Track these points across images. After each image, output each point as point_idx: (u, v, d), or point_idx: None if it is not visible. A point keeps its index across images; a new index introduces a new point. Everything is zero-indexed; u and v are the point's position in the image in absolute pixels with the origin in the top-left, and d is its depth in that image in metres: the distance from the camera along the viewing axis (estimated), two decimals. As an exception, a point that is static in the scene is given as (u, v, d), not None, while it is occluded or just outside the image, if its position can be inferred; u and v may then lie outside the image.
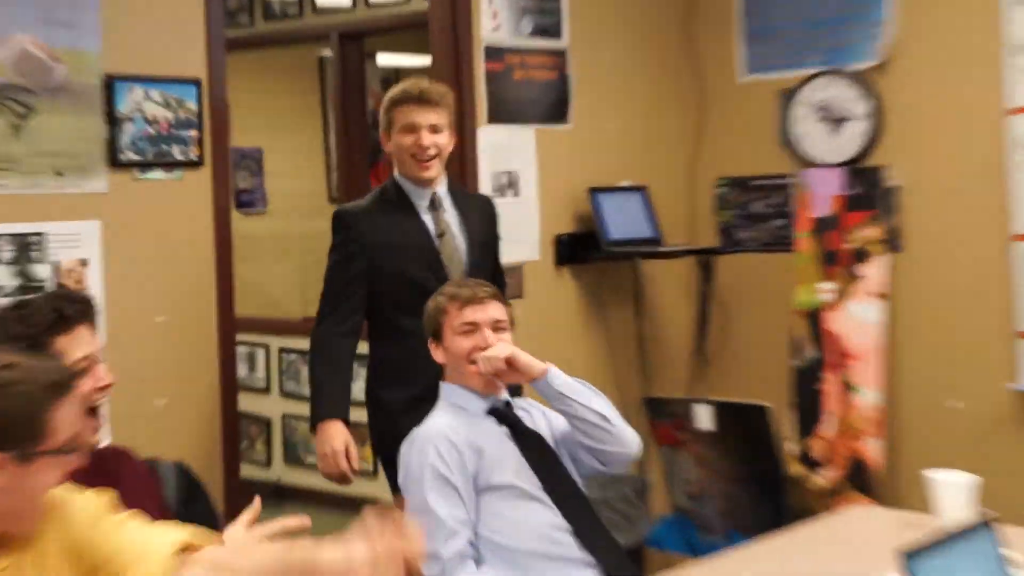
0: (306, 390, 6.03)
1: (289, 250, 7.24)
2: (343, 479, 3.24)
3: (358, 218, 3.42)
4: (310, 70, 7.18)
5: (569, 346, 4.64)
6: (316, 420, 3.29)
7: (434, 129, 3.38)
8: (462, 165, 4.39)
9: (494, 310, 2.86)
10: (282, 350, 6.29)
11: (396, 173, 3.48)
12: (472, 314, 2.83)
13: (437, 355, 2.90)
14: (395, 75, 7.11)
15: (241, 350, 5.67)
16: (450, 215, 3.48)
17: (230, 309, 3.77)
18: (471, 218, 3.51)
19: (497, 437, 2.79)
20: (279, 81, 7.18)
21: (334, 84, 6.17)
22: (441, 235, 3.43)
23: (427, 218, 3.44)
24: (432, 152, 3.38)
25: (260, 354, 6.35)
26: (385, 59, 6.98)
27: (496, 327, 2.84)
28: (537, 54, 4.61)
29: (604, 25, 4.89)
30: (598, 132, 4.84)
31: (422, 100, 3.37)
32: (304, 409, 6.02)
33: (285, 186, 7.25)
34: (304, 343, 6.04)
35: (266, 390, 6.35)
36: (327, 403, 3.30)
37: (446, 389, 2.90)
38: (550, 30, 4.66)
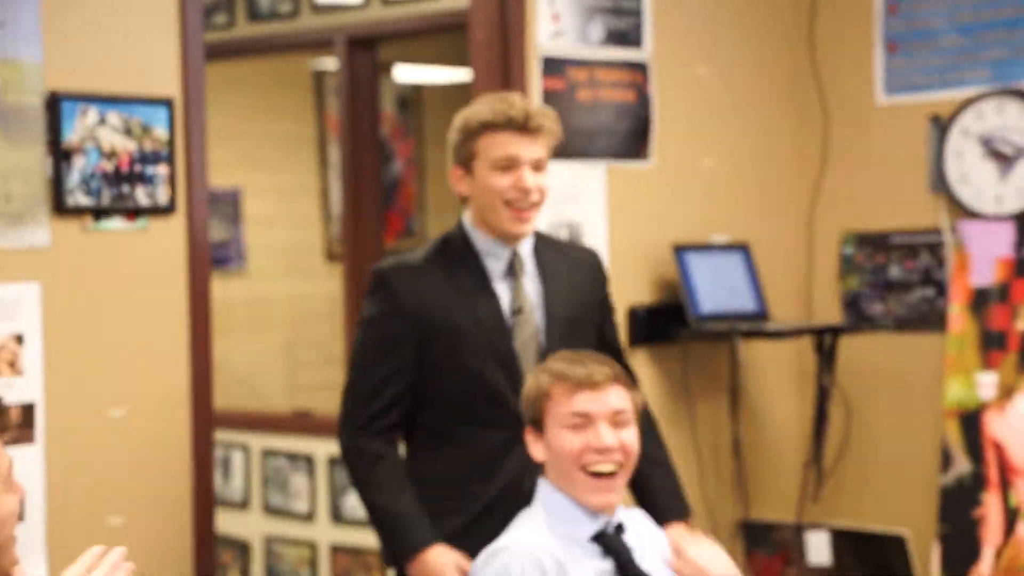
0: (295, 504, 6.15)
1: (273, 321, 7.25)
2: None
3: (407, 282, 3.32)
4: (303, 87, 7.21)
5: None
6: (409, 551, 3.19)
7: (537, 166, 3.31)
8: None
9: (615, 398, 2.88)
10: (265, 452, 6.28)
11: (468, 222, 3.38)
12: (586, 403, 2.84)
13: (536, 451, 2.93)
14: (415, 94, 7.15)
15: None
16: (531, 283, 3.39)
17: (207, 400, 3.76)
18: (560, 282, 3.41)
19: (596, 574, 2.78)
20: (263, 101, 7.22)
21: (339, 104, 6.17)
22: (517, 312, 3.34)
23: (501, 288, 3.35)
24: (535, 198, 3.30)
25: (237, 457, 6.34)
26: (406, 72, 7.00)
27: (616, 420, 2.86)
28: (611, 68, 4.63)
29: (699, 30, 4.92)
30: (688, 172, 4.85)
31: (527, 128, 3.29)
32: (294, 529, 6.15)
33: (269, 238, 7.26)
34: (294, 444, 6.20)
35: (244, 504, 6.33)
36: (413, 528, 3.20)
37: (548, 494, 2.91)
38: (628, 36, 4.68)
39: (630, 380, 3.02)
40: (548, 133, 3.32)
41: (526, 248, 3.40)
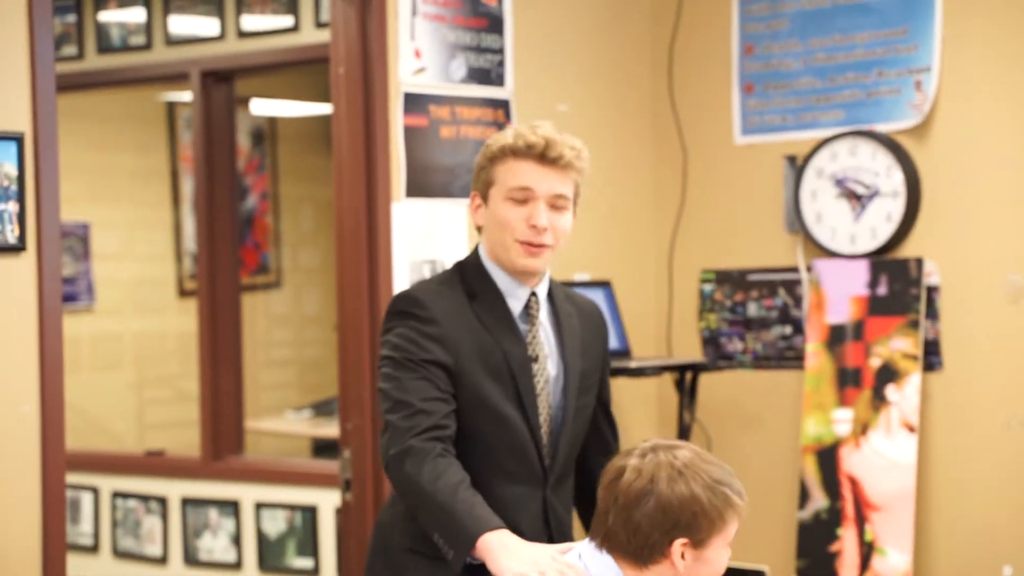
0: (148, 548, 6.01)
1: (123, 359, 7.14)
2: None
3: (444, 314, 3.04)
4: (156, 120, 7.11)
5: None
6: (480, 531, 2.80)
7: (556, 204, 3.04)
8: (371, 251, 4.37)
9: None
10: (116, 494, 6.16)
11: (483, 255, 3.14)
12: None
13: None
14: (270, 128, 7.07)
15: (60, 495, 5.54)
16: (545, 330, 3.15)
17: (59, 444, 3.63)
18: (574, 334, 3.19)
19: None
20: (113, 134, 7.11)
21: (195, 137, 6.07)
22: (534, 360, 3.09)
23: (522, 329, 3.11)
24: (547, 240, 3.03)
25: (86, 500, 6.22)
26: (262, 106, 6.93)
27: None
28: (473, 105, 4.61)
29: (561, 69, 4.93)
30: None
31: (546, 157, 3.03)
32: (145, 573, 5.99)
33: (119, 273, 7.16)
34: (146, 485, 6.06)
35: (93, 548, 6.21)
36: (480, 514, 2.83)
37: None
38: (491, 74, 4.67)
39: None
40: (572, 168, 3.06)
41: (542, 291, 3.16)
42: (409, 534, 3.03)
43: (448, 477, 2.86)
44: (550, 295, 3.17)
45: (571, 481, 3.19)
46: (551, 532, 3.07)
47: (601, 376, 3.28)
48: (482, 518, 2.79)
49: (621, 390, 4.96)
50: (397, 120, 4.39)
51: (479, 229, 3.13)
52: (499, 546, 2.73)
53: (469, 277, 3.11)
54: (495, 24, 4.67)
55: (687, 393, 4.91)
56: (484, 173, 3.08)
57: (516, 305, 3.09)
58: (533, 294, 3.11)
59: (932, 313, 4.69)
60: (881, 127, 4.76)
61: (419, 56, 4.45)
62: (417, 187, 4.41)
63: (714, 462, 2.63)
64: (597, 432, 3.26)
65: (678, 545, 2.52)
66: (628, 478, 2.57)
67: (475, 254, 3.14)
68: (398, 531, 3.07)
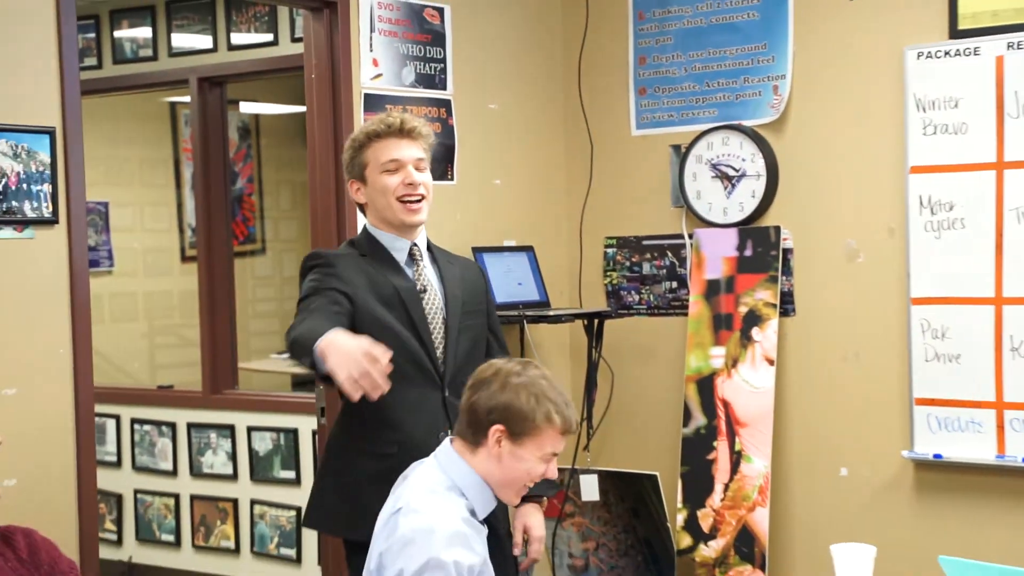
0: (161, 463, 5.96)
1: (136, 312, 7.04)
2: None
3: (340, 260, 3.10)
4: (160, 118, 7.02)
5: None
6: (316, 337, 2.70)
7: (418, 166, 3.14)
8: (339, 223, 4.32)
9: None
10: (134, 421, 6.12)
11: (369, 224, 3.20)
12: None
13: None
14: (255, 122, 6.99)
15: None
16: (429, 271, 3.22)
17: (89, 380, 3.60)
18: (453, 274, 3.25)
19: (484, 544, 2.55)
20: (126, 129, 7.02)
21: (194, 132, 6.00)
22: (423, 291, 3.15)
23: (408, 272, 3.17)
24: (422, 191, 3.13)
25: (110, 426, 6.17)
26: (249, 107, 6.85)
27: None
28: (421, 104, 4.56)
29: (491, 76, 4.88)
30: (483, 189, 4.81)
31: (405, 132, 3.13)
32: (159, 483, 5.97)
33: (132, 243, 7.07)
34: (158, 413, 6.01)
35: (117, 464, 6.19)
36: (318, 329, 2.74)
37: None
38: (435, 79, 4.62)
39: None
40: (424, 136, 3.17)
41: (422, 242, 3.23)
42: (350, 435, 3.10)
43: (303, 320, 2.87)
44: (431, 250, 3.26)
45: None
46: (450, 423, 3.04)
47: (487, 308, 3.35)
48: (316, 330, 2.73)
49: (542, 334, 4.98)
50: (359, 117, 4.34)
51: (362, 207, 3.21)
52: (327, 344, 2.65)
53: (359, 244, 3.19)
54: (438, 39, 4.63)
55: (595, 336, 4.89)
56: (357, 160, 3.16)
57: (400, 256, 3.17)
58: (414, 244, 3.19)
59: (787, 270, 4.69)
60: (747, 122, 4.75)
61: (376, 64, 4.40)
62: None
63: (556, 388, 2.55)
64: (490, 353, 3.27)
65: (495, 429, 2.46)
66: (482, 369, 2.55)
67: (363, 230, 3.22)
68: (341, 434, 3.14)
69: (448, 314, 3.18)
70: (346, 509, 3.03)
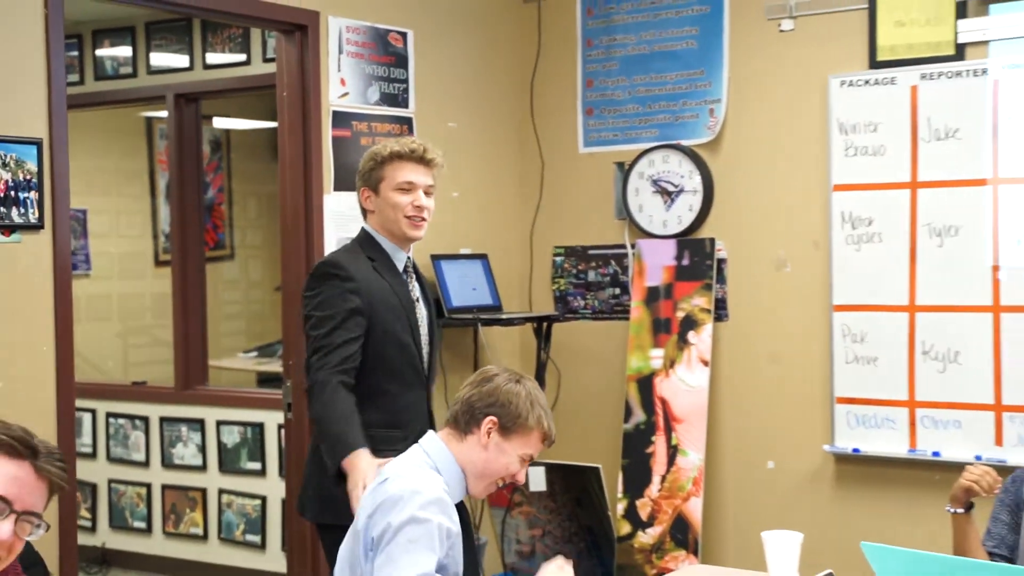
0: (134, 455, 5.93)
1: (111, 313, 7.00)
2: None
3: (358, 272, 3.14)
4: (137, 132, 6.98)
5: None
6: (347, 451, 2.91)
7: (428, 191, 3.23)
8: (307, 232, 4.33)
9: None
10: (109, 415, 6.09)
11: (371, 230, 3.24)
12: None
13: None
14: (226, 136, 6.98)
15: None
16: (415, 283, 3.31)
17: (70, 376, 3.62)
18: (425, 288, 3.35)
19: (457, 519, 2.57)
20: (104, 142, 6.97)
21: (170, 145, 5.99)
22: (417, 301, 3.26)
23: (406, 281, 3.25)
24: (425, 215, 3.22)
25: (86, 419, 6.13)
26: (222, 122, 6.84)
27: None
28: (385, 121, 4.59)
29: (450, 96, 4.90)
30: (441, 200, 4.76)
31: (424, 160, 3.21)
32: (132, 473, 5.94)
33: (109, 248, 7.01)
34: (132, 407, 5.98)
35: (92, 455, 6.14)
36: (354, 436, 2.93)
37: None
38: (398, 98, 4.65)
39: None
40: (438, 167, 3.25)
41: (411, 257, 3.31)
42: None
43: (337, 407, 2.97)
44: (411, 260, 3.34)
45: None
46: (431, 419, 3.22)
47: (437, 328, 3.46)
48: (348, 442, 2.91)
49: (495, 336, 5.00)
50: (327, 132, 4.37)
51: (368, 213, 3.26)
52: (349, 465, 2.88)
53: (366, 247, 3.23)
54: (401, 61, 4.66)
55: (543, 338, 4.94)
56: (375, 173, 3.22)
57: (399, 264, 3.24)
58: (409, 257, 3.29)
59: (721, 279, 4.74)
60: (685, 142, 4.79)
61: (344, 84, 4.43)
62: (342, 182, 4.38)
63: (546, 403, 2.59)
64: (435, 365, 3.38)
65: (488, 420, 2.49)
66: (486, 369, 2.58)
67: (363, 231, 3.27)
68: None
69: (429, 323, 3.29)
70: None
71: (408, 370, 3.16)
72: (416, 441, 2.67)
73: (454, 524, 2.42)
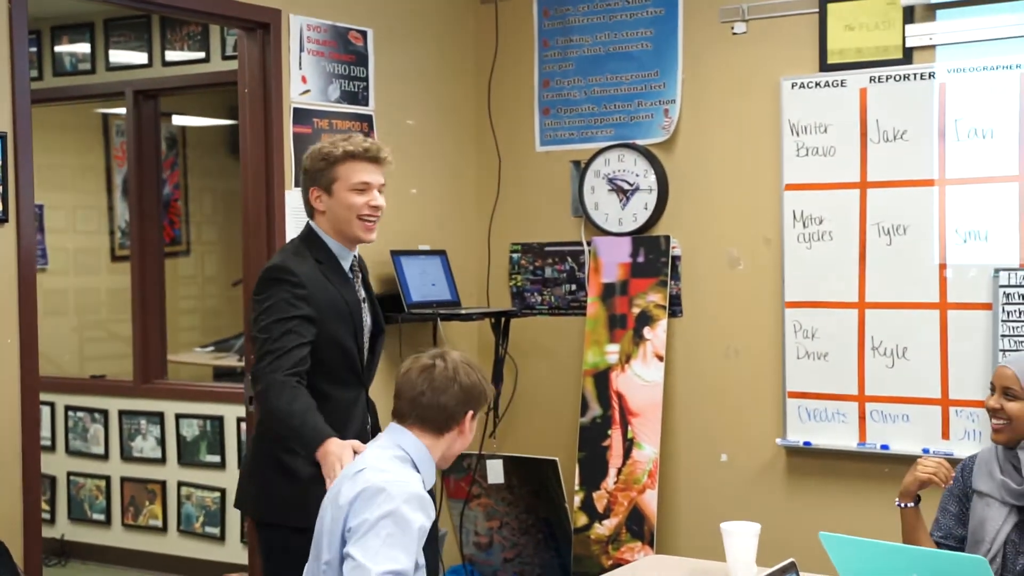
0: (93, 447, 5.87)
1: (67, 307, 6.93)
2: None
3: (307, 278, 3.05)
4: (93, 128, 6.90)
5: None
6: (320, 441, 2.84)
7: (380, 190, 3.15)
8: (268, 228, 4.31)
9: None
10: (68, 408, 6.03)
11: (318, 230, 3.14)
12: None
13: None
14: (182, 133, 6.92)
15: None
16: (360, 282, 3.24)
17: (34, 369, 3.57)
18: (368, 286, 3.28)
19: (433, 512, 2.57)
20: (61, 138, 6.88)
21: (128, 142, 5.93)
22: (363, 302, 3.20)
23: (352, 282, 3.18)
24: (379, 214, 3.14)
25: (45, 412, 6.06)
26: (180, 119, 6.78)
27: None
28: (345, 118, 4.57)
29: (409, 94, 4.90)
30: (401, 197, 4.82)
31: (378, 160, 3.12)
32: (91, 466, 5.87)
33: (65, 243, 6.94)
34: (91, 401, 5.92)
35: (51, 448, 6.07)
36: (321, 427, 2.87)
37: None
38: (358, 96, 4.63)
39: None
40: (389, 164, 3.17)
41: (357, 254, 3.24)
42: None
43: (299, 403, 2.91)
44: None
45: None
46: (371, 416, 3.21)
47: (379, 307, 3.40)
48: (319, 431, 2.85)
49: (453, 331, 5.01)
50: (288, 129, 4.35)
51: (317, 213, 3.14)
52: (322, 452, 2.80)
53: (313, 248, 3.13)
54: (361, 59, 4.65)
55: (501, 333, 4.94)
56: (327, 173, 3.10)
57: (345, 264, 3.16)
58: (355, 256, 3.21)
59: (675, 275, 4.76)
60: (640, 141, 4.81)
61: (305, 81, 4.41)
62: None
63: (475, 364, 2.65)
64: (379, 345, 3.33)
65: (469, 416, 2.56)
66: (439, 369, 2.54)
67: (310, 230, 3.16)
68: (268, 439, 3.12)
69: (373, 322, 3.24)
70: (298, 502, 2.97)
71: (347, 372, 3.12)
72: (358, 438, 2.68)
73: (429, 518, 2.43)
